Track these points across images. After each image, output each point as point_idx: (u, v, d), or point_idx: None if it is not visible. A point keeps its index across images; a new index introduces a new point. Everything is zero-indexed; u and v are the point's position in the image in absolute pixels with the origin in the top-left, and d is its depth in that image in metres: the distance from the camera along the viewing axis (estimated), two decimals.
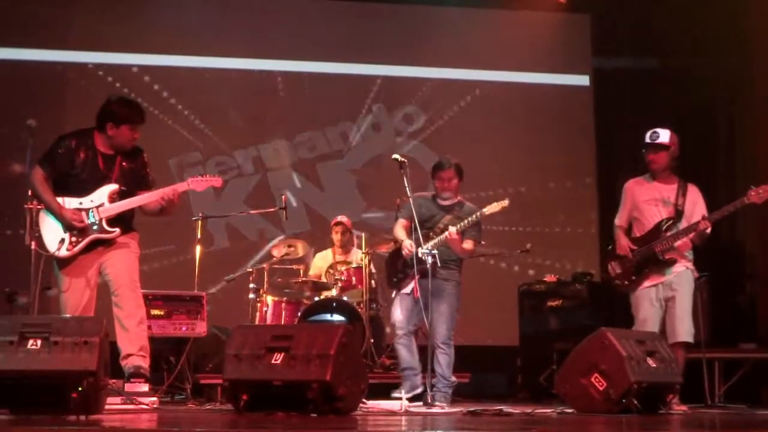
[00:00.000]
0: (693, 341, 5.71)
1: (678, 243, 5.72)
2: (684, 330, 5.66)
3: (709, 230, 5.69)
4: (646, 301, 5.77)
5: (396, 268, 6.19)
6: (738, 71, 8.58)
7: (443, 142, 9.26)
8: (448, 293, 6.00)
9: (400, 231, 6.17)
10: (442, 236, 5.94)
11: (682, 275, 5.74)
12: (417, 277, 5.84)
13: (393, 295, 6.19)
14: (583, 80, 9.61)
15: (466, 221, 5.98)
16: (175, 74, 9.13)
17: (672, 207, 5.80)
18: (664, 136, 5.84)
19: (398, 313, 6.06)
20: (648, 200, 5.89)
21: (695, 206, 5.78)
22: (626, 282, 5.87)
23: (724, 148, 8.64)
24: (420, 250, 5.75)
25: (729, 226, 8.36)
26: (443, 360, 5.98)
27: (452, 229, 5.90)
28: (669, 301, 5.73)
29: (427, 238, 5.96)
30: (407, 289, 6.03)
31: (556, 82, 9.59)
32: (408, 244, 5.97)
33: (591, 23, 9.64)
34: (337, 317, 7.02)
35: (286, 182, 9.10)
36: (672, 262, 5.72)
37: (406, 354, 6.04)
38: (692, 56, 8.89)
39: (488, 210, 6.04)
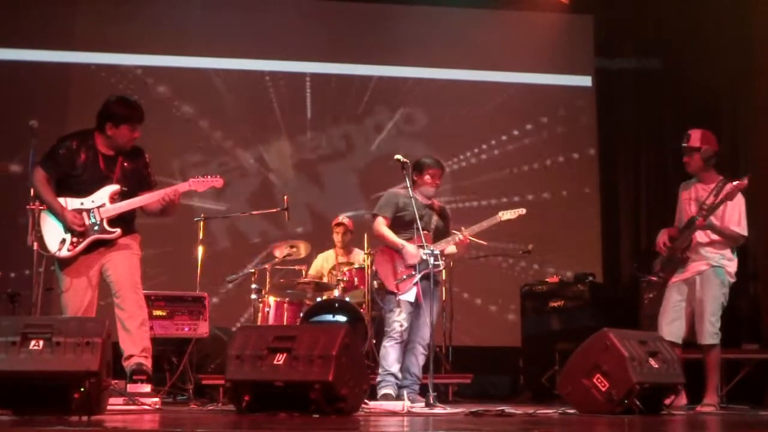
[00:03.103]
0: (713, 342, 5.75)
1: (696, 241, 5.83)
2: (701, 331, 5.77)
3: (712, 229, 5.78)
4: (668, 294, 5.92)
5: (395, 270, 6.08)
6: (741, 72, 8.57)
7: (445, 143, 9.26)
8: (438, 295, 6.02)
9: (389, 231, 6.13)
10: (453, 238, 6.02)
11: (705, 275, 5.83)
12: (419, 282, 5.87)
13: (396, 298, 6.04)
14: (586, 81, 9.60)
15: (480, 225, 6.09)
16: (177, 75, 9.14)
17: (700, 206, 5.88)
18: (694, 138, 5.96)
19: (402, 318, 5.99)
20: (686, 200, 6.00)
21: (726, 205, 5.81)
22: (655, 278, 6.03)
23: (727, 149, 8.62)
24: (433, 253, 5.73)
25: None
26: (422, 361, 6.00)
27: (466, 232, 6.02)
28: (695, 302, 5.84)
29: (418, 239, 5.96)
30: (410, 296, 5.99)
31: (558, 82, 9.59)
32: (413, 250, 5.96)
33: (593, 24, 9.64)
34: (339, 318, 7.01)
35: (288, 183, 9.11)
36: (685, 260, 5.85)
37: (395, 361, 5.99)
38: (695, 57, 8.88)
39: (505, 216, 6.22)
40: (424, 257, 5.84)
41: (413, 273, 5.97)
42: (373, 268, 6.47)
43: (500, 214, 6.24)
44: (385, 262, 6.15)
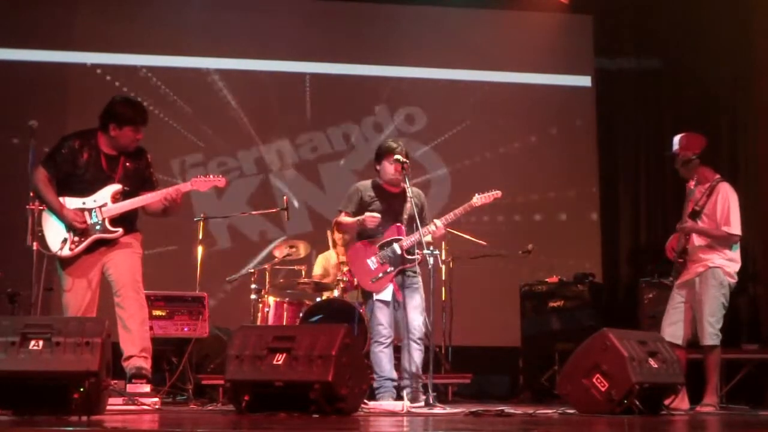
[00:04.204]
0: (712, 342, 5.75)
1: (694, 244, 5.84)
2: (701, 333, 5.78)
3: (693, 232, 5.84)
4: (671, 296, 5.96)
5: (368, 269, 5.82)
6: (741, 71, 8.57)
7: (445, 143, 9.26)
8: (418, 285, 5.80)
9: (345, 218, 5.84)
10: (425, 230, 5.74)
11: (703, 276, 5.83)
12: (394, 278, 5.78)
13: (373, 299, 5.78)
14: (585, 81, 9.59)
15: (454, 213, 5.84)
16: (177, 75, 9.13)
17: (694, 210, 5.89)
18: (674, 143, 6.00)
19: (382, 320, 5.76)
20: (690, 203, 5.96)
21: (715, 206, 5.82)
22: (667, 282, 6.16)
23: (726, 149, 8.63)
24: (424, 251, 5.61)
25: None
26: (418, 357, 5.70)
27: (439, 223, 5.79)
28: (695, 303, 5.84)
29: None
30: (386, 295, 5.76)
31: (558, 82, 9.58)
32: (371, 218, 5.67)
33: (593, 24, 9.63)
34: (338, 318, 7.00)
35: (288, 183, 9.11)
36: (684, 263, 5.87)
37: (387, 364, 5.77)
38: (695, 56, 8.88)
39: (479, 200, 5.93)
40: (394, 253, 5.77)
41: (388, 270, 5.79)
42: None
43: (474, 199, 5.90)
44: (357, 260, 5.89)
